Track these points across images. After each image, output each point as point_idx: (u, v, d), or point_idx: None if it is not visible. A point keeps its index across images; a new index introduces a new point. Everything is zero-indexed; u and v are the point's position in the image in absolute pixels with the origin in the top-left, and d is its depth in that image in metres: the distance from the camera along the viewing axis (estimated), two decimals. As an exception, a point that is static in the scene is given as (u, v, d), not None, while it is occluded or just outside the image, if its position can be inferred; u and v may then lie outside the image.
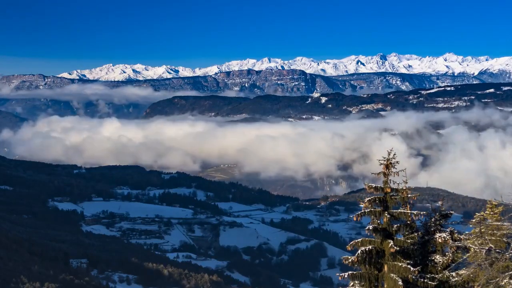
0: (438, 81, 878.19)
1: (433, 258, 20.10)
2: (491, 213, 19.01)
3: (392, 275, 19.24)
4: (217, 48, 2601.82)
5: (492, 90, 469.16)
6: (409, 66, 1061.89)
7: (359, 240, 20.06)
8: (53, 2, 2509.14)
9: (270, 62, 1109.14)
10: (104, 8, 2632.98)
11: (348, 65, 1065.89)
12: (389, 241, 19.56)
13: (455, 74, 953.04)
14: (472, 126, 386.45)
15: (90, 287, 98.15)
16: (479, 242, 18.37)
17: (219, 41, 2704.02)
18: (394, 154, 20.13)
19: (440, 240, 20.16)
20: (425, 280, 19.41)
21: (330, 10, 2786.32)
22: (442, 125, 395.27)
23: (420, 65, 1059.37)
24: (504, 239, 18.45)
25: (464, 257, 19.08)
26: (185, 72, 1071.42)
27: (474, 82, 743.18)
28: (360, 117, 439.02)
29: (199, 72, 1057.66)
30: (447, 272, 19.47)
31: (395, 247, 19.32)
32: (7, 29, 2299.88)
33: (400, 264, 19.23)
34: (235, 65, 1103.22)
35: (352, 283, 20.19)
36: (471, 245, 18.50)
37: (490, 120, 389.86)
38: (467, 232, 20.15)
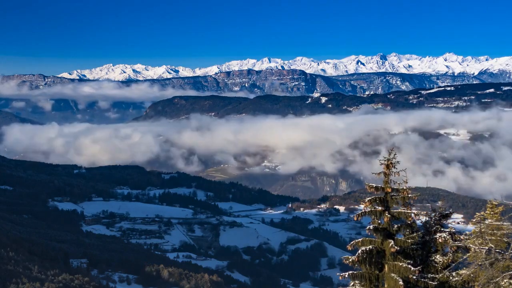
0: (438, 81, 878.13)
1: (434, 258, 20.13)
2: (491, 213, 19.04)
3: (392, 275, 19.27)
4: (217, 48, 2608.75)
5: (492, 90, 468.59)
6: (409, 66, 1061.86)
7: (360, 240, 20.09)
8: (53, 2, 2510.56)
9: (270, 62, 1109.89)
10: (104, 8, 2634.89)
11: (348, 65, 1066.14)
12: (390, 241, 19.59)
13: (455, 74, 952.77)
14: (472, 126, 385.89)
15: (90, 287, 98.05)
16: (479, 242, 18.41)
17: (219, 41, 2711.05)
18: (395, 154, 20.17)
19: (440, 240, 20.19)
20: (426, 280, 19.44)
21: (330, 10, 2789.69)
22: (442, 125, 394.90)
23: (420, 65, 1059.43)
24: (504, 239, 18.48)
25: (464, 257, 19.10)
26: (185, 72, 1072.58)
27: (474, 82, 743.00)
28: (360, 117, 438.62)
29: (199, 72, 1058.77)
30: (447, 272, 19.49)
31: (395, 247, 19.35)
32: (7, 29, 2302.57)
33: (401, 264, 19.26)
34: (235, 65, 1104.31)
35: (352, 283, 20.23)
36: (471, 245, 18.53)
37: (489, 120, 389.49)
38: (467, 232, 20.18)
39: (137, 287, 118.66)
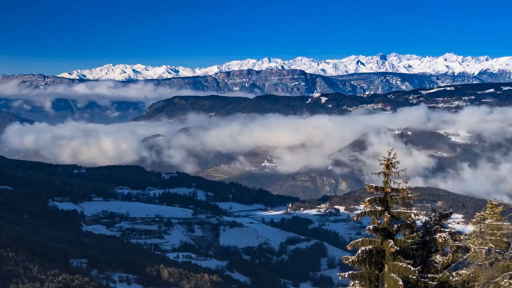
0: (438, 81, 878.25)
1: (434, 258, 20.12)
2: (491, 213, 19.03)
3: (392, 275, 19.26)
4: (217, 48, 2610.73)
5: (492, 90, 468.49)
6: (409, 66, 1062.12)
7: (360, 240, 20.08)
8: (53, 2, 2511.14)
9: (270, 62, 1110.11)
10: (104, 8, 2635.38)
11: (348, 65, 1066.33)
12: (390, 241, 19.58)
13: (455, 74, 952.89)
14: (472, 126, 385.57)
15: (90, 287, 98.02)
16: (479, 242, 18.40)
17: (219, 41, 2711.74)
18: (395, 154, 20.16)
19: (440, 240, 20.18)
20: (426, 280, 19.43)
21: (330, 10, 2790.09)
22: (442, 125, 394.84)
23: (420, 65, 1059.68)
24: (504, 239, 18.47)
25: (464, 257, 19.09)
26: (185, 72, 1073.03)
27: (474, 82, 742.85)
28: (360, 117, 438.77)
29: (199, 72, 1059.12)
30: (447, 272, 19.48)
31: (395, 247, 19.34)
32: (7, 29, 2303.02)
33: (401, 264, 19.25)
34: (235, 65, 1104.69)
35: (352, 283, 20.22)
36: (471, 245, 18.52)
37: (489, 120, 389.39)
38: (467, 232, 20.16)
39: (137, 287, 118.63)
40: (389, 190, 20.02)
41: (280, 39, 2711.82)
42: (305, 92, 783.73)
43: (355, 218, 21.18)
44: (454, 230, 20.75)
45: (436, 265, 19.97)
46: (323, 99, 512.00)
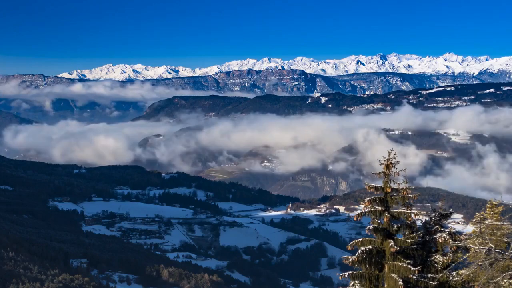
0: (438, 81, 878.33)
1: (434, 258, 20.11)
2: (491, 213, 19.02)
3: (392, 275, 19.26)
4: (217, 48, 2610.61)
5: (492, 90, 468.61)
6: (409, 66, 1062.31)
7: (360, 240, 20.07)
8: (53, 2, 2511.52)
9: (270, 62, 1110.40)
10: (104, 8, 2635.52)
11: (348, 65, 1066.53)
12: (390, 241, 19.58)
13: (455, 74, 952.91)
14: (472, 126, 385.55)
15: (90, 287, 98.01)
16: (479, 242, 18.39)
17: (219, 41, 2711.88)
18: (395, 154, 20.16)
19: (440, 240, 20.17)
20: (426, 280, 19.43)
21: (330, 10, 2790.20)
22: (442, 125, 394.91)
23: (420, 65, 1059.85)
24: (504, 239, 18.47)
25: (464, 257, 19.09)
26: (185, 72, 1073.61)
27: (474, 82, 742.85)
28: (360, 117, 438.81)
29: (199, 72, 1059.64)
30: (447, 272, 19.48)
31: (395, 247, 19.34)
32: (7, 29, 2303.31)
33: (401, 264, 19.25)
34: (235, 65, 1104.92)
35: (352, 283, 20.21)
36: (471, 245, 18.52)
37: (489, 120, 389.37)
38: (467, 231, 20.16)
39: (137, 287, 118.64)
40: (389, 190, 20.02)
41: (280, 39, 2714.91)
42: (305, 92, 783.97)
43: (355, 218, 21.20)
44: (454, 230, 20.74)
45: (436, 265, 19.97)
46: (323, 99, 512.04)
